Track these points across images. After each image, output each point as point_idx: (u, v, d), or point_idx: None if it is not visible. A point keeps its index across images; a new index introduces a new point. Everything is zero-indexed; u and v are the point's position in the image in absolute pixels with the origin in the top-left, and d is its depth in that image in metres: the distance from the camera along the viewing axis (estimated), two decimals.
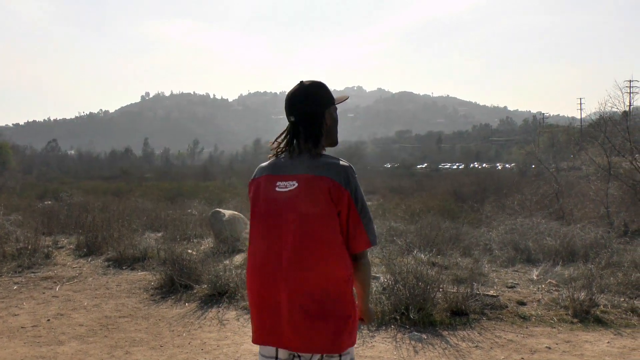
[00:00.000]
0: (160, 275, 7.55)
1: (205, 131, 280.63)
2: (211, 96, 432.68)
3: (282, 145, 2.41)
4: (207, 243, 10.56)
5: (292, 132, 2.38)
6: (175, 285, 7.28)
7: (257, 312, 2.33)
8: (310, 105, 2.34)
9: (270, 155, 2.44)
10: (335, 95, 2.48)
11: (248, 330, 5.73)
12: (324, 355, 2.24)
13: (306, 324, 2.20)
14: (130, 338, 5.57)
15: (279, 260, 2.24)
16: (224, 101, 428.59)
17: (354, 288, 2.37)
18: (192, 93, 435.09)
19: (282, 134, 2.43)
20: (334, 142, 2.45)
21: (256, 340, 2.36)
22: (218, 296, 6.85)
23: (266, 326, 2.30)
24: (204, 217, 13.25)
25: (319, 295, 2.21)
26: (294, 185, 2.26)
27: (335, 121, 2.44)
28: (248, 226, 10.92)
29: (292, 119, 2.35)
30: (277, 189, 2.29)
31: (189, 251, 8.60)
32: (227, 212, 10.73)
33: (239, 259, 8.91)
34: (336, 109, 2.46)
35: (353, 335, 2.31)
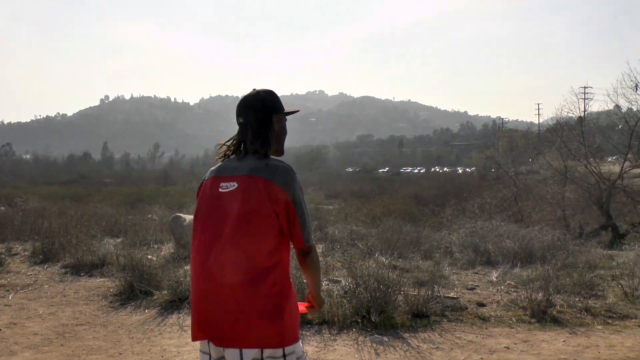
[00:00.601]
0: (120, 281, 7.42)
1: (166, 135, 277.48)
2: (172, 100, 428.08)
3: (231, 148, 2.51)
4: (168, 248, 10.43)
5: (241, 134, 2.48)
6: (134, 291, 7.15)
7: (194, 307, 2.37)
8: (259, 108, 2.44)
9: (218, 157, 2.55)
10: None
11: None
12: (264, 353, 2.25)
13: (242, 319, 2.23)
14: (88, 346, 5.44)
15: (214, 258, 2.29)
16: (185, 105, 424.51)
17: (307, 282, 2.48)
18: (152, 96, 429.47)
19: (231, 138, 2.54)
20: (280, 151, 2.52)
21: (194, 337, 2.41)
22: (179, 302, 6.76)
23: (202, 322, 2.34)
24: (164, 222, 13.10)
25: (253, 292, 2.24)
26: (234, 185, 2.34)
27: (283, 129, 2.52)
28: None
29: (241, 120, 2.46)
30: (220, 189, 2.38)
31: (149, 257, 8.48)
32: (188, 217, 10.62)
33: None
34: (285, 119, 2.53)
35: (292, 331, 2.32)
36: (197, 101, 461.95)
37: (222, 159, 2.53)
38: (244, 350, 2.24)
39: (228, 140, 2.55)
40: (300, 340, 2.41)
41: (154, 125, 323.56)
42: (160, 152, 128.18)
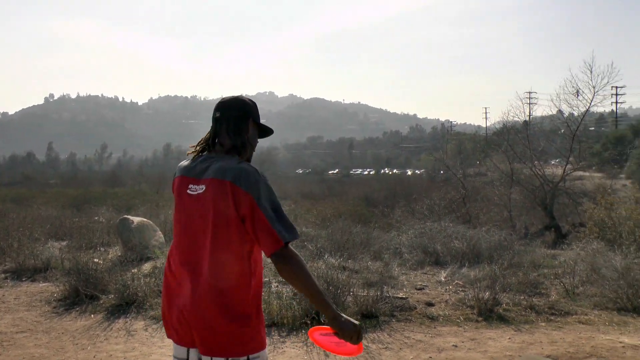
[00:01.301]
0: (64, 286, 7.19)
1: (114, 135, 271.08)
2: (120, 99, 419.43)
3: (202, 143, 2.47)
4: (115, 251, 10.19)
5: (214, 129, 2.44)
6: (80, 296, 6.94)
7: (165, 311, 2.40)
8: (240, 107, 2.44)
9: (190, 152, 2.49)
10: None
11: (157, 340, 5.57)
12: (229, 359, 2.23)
13: (207, 326, 2.22)
14: (29, 354, 5.25)
15: (186, 262, 2.31)
16: (133, 105, 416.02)
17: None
18: (100, 95, 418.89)
19: (205, 137, 2.51)
20: (248, 160, 2.45)
21: (168, 335, 2.41)
22: (126, 306, 6.60)
23: (175, 323, 2.34)
24: (111, 224, 12.79)
25: (223, 299, 2.23)
26: (202, 189, 2.31)
27: (254, 137, 2.50)
28: (157, 233, 10.58)
29: (217, 114, 2.42)
30: (188, 191, 2.36)
31: (96, 260, 8.26)
32: (136, 219, 10.40)
33: (147, 267, 8.64)
34: (256, 134, 2.52)
35: (257, 339, 2.30)
36: (146, 101, 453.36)
37: (192, 154, 2.48)
38: (214, 359, 2.23)
39: (201, 140, 2.51)
40: (266, 347, 2.37)
41: (101, 125, 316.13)
42: (107, 152, 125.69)
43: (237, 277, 2.25)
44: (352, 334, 2.24)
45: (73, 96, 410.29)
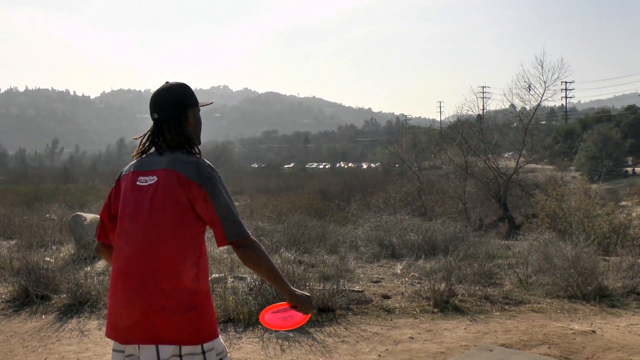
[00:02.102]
0: (13, 286, 6.89)
1: (66, 130, 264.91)
2: (71, 93, 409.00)
3: (145, 145, 2.44)
4: (68, 249, 9.89)
5: (156, 130, 2.42)
6: (30, 296, 6.67)
7: (112, 303, 2.32)
8: (174, 104, 2.39)
9: (135, 154, 2.46)
10: (200, 99, 2.51)
11: (110, 340, 5.40)
12: (183, 349, 2.21)
13: (160, 315, 2.19)
14: None
15: (135, 253, 2.25)
16: (85, 98, 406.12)
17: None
18: (50, 89, 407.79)
19: (146, 134, 2.47)
20: (195, 145, 2.45)
21: (107, 334, 2.36)
22: (79, 305, 6.38)
23: (117, 318, 2.29)
24: (64, 221, 12.43)
25: (172, 286, 2.21)
26: (153, 179, 2.30)
27: (198, 121, 2.47)
28: None
29: (156, 116, 2.40)
30: (138, 182, 2.33)
31: (47, 259, 8.01)
32: (89, 216, 10.13)
33: (101, 265, 8.41)
34: (199, 110, 2.49)
35: (210, 327, 2.29)
36: (98, 95, 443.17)
37: (138, 155, 2.45)
38: (160, 347, 2.18)
39: (143, 136, 2.48)
40: (220, 337, 2.36)
41: (52, 119, 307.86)
42: (59, 148, 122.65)
43: (186, 265, 2.25)
44: (307, 305, 2.45)
45: (21, 89, 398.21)
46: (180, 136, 2.38)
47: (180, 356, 2.21)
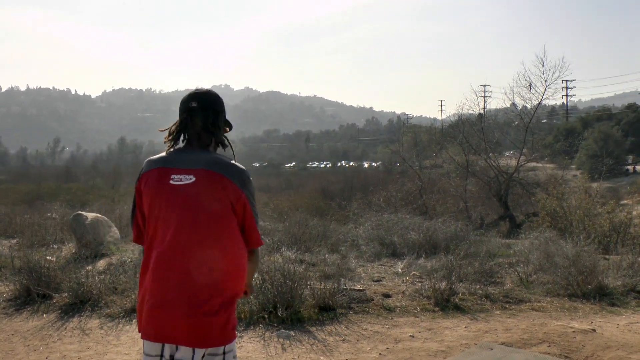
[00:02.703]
0: (15, 285, 6.91)
1: (67, 129, 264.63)
2: (73, 92, 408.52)
3: (174, 133, 2.42)
4: (69, 248, 9.91)
5: (190, 118, 2.40)
6: (31, 295, 6.69)
7: (148, 307, 2.28)
8: (216, 99, 2.46)
9: (166, 141, 2.43)
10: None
11: (112, 339, 5.43)
12: (207, 350, 2.26)
13: (197, 318, 2.20)
14: None
15: (172, 253, 2.25)
16: (86, 97, 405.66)
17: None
18: (51, 88, 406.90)
19: (174, 125, 2.44)
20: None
21: (144, 335, 2.32)
22: (80, 304, 6.39)
23: (155, 322, 2.25)
24: (65, 220, 12.45)
25: (210, 290, 2.24)
26: (190, 179, 2.28)
27: (224, 129, 2.50)
28: (112, 229, 10.33)
29: (194, 104, 2.38)
30: (171, 181, 2.29)
31: (48, 258, 8.01)
32: (90, 215, 10.16)
33: (102, 264, 8.43)
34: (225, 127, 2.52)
35: (233, 329, 2.37)
36: (100, 94, 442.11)
37: (170, 144, 2.44)
38: (196, 350, 2.24)
39: (171, 127, 2.46)
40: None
41: (53, 118, 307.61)
42: (60, 146, 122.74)
43: (227, 269, 2.29)
44: (253, 292, 2.67)
45: (22, 89, 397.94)
46: (217, 133, 2.42)
47: (203, 355, 2.27)
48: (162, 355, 2.27)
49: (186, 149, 2.39)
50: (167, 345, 2.26)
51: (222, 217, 2.26)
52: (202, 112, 2.40)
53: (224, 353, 2.29)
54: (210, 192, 2.26)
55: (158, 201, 2.31)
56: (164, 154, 2.42)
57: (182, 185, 2.28)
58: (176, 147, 2.42)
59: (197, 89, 2.48)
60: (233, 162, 2.37)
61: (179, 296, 2.22)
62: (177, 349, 2.25)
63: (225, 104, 2.53)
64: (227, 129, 2.51)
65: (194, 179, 2.27)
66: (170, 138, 2.43)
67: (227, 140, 2.50)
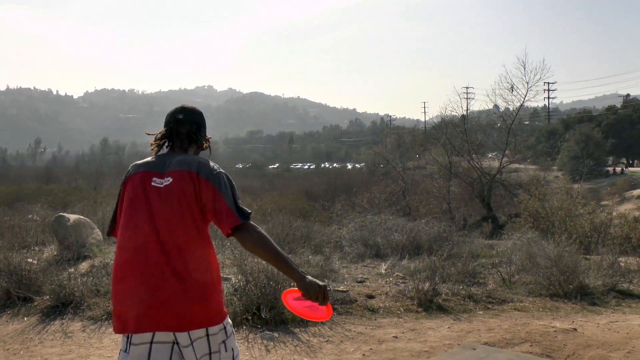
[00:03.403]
0: None
1: (48, 130, 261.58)
2: (54, 92, 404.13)
3: (159, 140, 2.69)
4: (50, 250, 9.80)
5: (176, 129, 2.68)
6: (12, 298, 6.60)
7: (122, 299, 2.43)
8: (199, 115, 2.77)
9: (152, 148, 2.71)
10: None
11: (95, 341, 5.38)
12: (211, 332, 2.43)
13: (182, 304, 2.37)
14: None
15: (147, 248, 2.41)
16: (68, 98, 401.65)
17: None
18: (32, 88, 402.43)
19: (160, 133, 2.72)
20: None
21: (119, 329, 2.45)
22: (62, 307, 6.31)
23: (134, 314, 2.38)
24: (46, 222, 12.32)
25: (190, 273, 2.40)
26: (168, 181, 2.49)
27: (204, 142, 2.77)
28: (95, 231, 10.21)
29: (181, 116, 2.68)
30: (153, 183, 2.51)
31: (29, 260, 7.91)
32: (72, 217, 10.05)
33: (85, 266, 8.35)
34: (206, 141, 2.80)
35: (216, 312, 2.47)
36: (82, 94, 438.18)
37: (155, 149, 2.70)
38: (192, 332, 2.40)
39: (158, 134, 2.72)
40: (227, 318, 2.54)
41: (34, 119, 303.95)
42: (41, 147, 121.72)
43: (201, 252, 2.47)
44: (317, 294, 2.42)
45: (2, 88, 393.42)
46: (197, 138, 2.71)
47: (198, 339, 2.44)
48: (152, 342, 2.44)
49: (169, 154, 2.62)
50: (158, 333, 2.43)
51: (192, 210, 2.45)
52: (187, 123, 2.69)
53: (225, 328, 2.49)
54: (181, 189, 2.46)
55: (139, 201, 2.50)
56: (149, 158, 2.65)
57: (162, 187, 2.49)
58: (159, 153, 2.66)
59: (184, 105, 2.76)
60: (201, 159, 2.58)
61: (148, 285, 2.39)
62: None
63: (208, 105, 2.68)
64: (206, 144, 2.79)
65: (170, 180, 2.49)
66: (155, 144, 2.69)
67: (206, 144, 2.78)
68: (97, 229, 10.35)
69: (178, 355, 2.44)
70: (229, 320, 2.55)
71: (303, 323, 5.71)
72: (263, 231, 2.46)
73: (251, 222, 2.46)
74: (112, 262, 7.96)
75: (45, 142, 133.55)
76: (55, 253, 9.37)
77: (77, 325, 5.85)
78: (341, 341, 5.25)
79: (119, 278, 2.45)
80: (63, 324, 5.92)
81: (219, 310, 2.47)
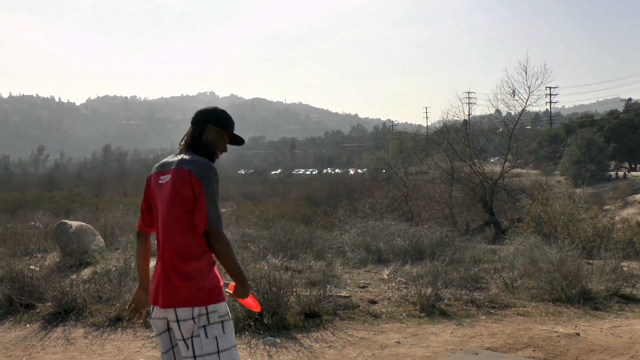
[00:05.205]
0: None
1: (51, 137, 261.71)
2: (57, 99, 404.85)
3: (181, 144, 3.01)
4: (53, 257, 9.80)
5: (187, 133, 2.99)
6: (14, 305, 6.60)
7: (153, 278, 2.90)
8: (199, 115, 3.01)
9: (179, 148, 3.03)
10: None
11: (97, 348, 5.38)
12: (195, 314, 2.69)
13: (170, 284, 2.73)
14: None
15: (161, 237, 2.84)
16: (70, 105, 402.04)
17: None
18: (34, 95, 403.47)
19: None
20: (209, 154, 2.95)
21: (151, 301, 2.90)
22: (64, 314, 6.31)
23: (152, 289, 2.85)
24: (49, 229, 12.32)
25: (182, 259, 2.75)
26: (168, 178, 2.84)
27: (215, 139, 2.97)
28: (97, 238, 10.20)
29: (193, 117, 3.02)
30: (159, 181, 2.90)
31: (32, 267, 7.91)
32: (75, 224, 10.05)
33: (87, 272, 8.34)
34: (223, 136, 3.01)
35: (214, 292, 2.75)
36: (84, 101, 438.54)
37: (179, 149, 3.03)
38: (178, 311, 2.71)
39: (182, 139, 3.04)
40: (225, 302, 2.82)
41: (36, 126, 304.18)
42: (44, 154, 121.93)
43: (192, 243, 2.77)
44: (244, 294, 2.95)
45: (5, 96, 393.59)
46: (195, 140, 2.95)
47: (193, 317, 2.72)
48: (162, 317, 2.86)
49: (178, 154, 2.93)
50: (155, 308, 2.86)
51: (184, 203, 2.76)
52: (191, 126, 2.99)
53: (207, 313, 2.72)
54: (175, 184, 2.77)
55: (154, 197, 2.92)
56: (164, 159, 3.02)
57: (163, 184, 2.85)
58: (176, 153, 2.98)
59: (200, 108, 3.11)
60: (198, 158, 2.85)
61: (159, 267, 2.83)
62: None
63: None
64: (206, 136, 2.99)
65: (169, 177, 2.83)
66: (179, 147, 3.01)
67: (200, 143, 2.96)
68: (99, 236, 10.36)
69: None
70: (223, 311, 2.78)
71: (305, 329, 5.70)
72: (230, 244, 2.79)
73: (222, 233, 2.76)
74: (113, 268, 7.98)
75: (48, 149, 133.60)
76: (57, 260, 9.38)
77: (80, 332, 5.85)
78: (344, 346, 5.24)
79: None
80: (65, 330, 5.92)
81: (204, 293, 2.72)
